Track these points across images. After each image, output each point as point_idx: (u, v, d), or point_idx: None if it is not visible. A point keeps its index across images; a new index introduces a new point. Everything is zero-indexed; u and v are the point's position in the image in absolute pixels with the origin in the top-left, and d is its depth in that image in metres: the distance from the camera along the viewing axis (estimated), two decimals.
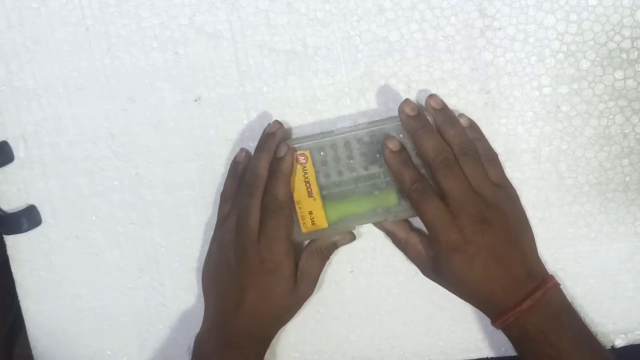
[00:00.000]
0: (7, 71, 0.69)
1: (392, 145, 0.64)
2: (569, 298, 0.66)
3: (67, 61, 0.69)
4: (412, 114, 0.63)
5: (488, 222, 0.62)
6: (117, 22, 0.67)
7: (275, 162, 0.64)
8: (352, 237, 0.69)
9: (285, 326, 0.73)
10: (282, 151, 0.64)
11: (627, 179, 0.68)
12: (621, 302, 0.71)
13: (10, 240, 0.73)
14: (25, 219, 0.72)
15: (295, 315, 0.72)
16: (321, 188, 0.66)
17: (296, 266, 0.67)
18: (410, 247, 0.67)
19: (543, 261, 0.69)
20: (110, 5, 0.67)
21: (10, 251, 0.74)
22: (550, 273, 0.66)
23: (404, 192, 0.64)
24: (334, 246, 0.69)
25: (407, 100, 0.64)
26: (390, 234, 0.68)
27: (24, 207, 0.72)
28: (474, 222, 0.62)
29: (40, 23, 0.68)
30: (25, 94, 0.70)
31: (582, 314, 0.70)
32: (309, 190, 0.65)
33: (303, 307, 0.71)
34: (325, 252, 0.68)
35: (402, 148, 0.64)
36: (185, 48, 0.68)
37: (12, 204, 0.72)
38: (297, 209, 0.66)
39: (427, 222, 0.63)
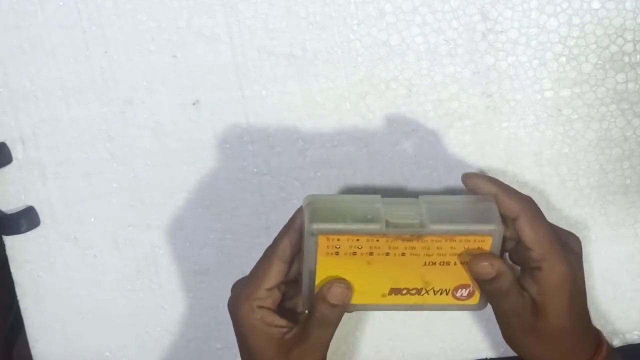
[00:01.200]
0: (4, 73, 0.68)
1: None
2: None
3: (65, 64, 0.68)
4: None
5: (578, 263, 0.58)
6: (114, 25, 0.67)
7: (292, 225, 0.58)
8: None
9: None
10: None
11: (628, 181, 0.68)
12: (620, 302, 0.71)
13: (9, 240, 0.73)
14: (24, 220, 0.72)
15: None
16: None
17: (267, 328, 0.58)
18: (512, 290, 0.55)
19: None
20: (107, 8, 0.66)
21: (10, 252, 0.73)
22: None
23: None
24: (329, 305, 0.56)
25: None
26: (499, 275, 0.55)
27: (23, 208, 0.72)
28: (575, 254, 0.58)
29: (37, 25, 0.67)
30: (22, 96, 0.69)
31: None
32: None
33: None
34: (336, 321, 0.58)
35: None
36: (183, 51, 0.67)
37: (11, 205, 0.72)
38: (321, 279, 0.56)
39: (540, 245, 0.55)
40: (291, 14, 0.65)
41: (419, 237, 0.54)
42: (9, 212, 0.72)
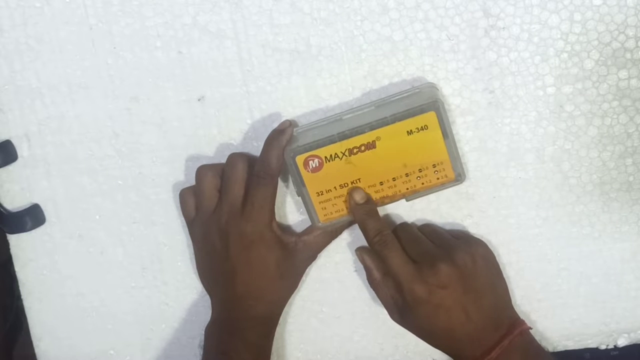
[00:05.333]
0: (11, 70, 0.69)
1: (358, 197, 0.65)
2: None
3: (71, 60, 0.69)
4: (361, 202, 0.65)
5: (451, 275, 0.63)
6: (120, 21, 0.67)
7: (274, 133, 0.65)
8: None
9: (288, 326, 0.73)
10: (284, 125, 0.65)
11: (631, 178, 0.68)
12: (624, 301, 0.71)
13: (13, 239, 0.73)
14: (29, 217, 0.72)
15: (299, 314, 0.72)
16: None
17: (279, 238, 0.67)
18: (381, 289, 0.67)
19: (547, 260, 0.70)
20: (113, 5, 0.67)
21: (14, 250, 0.74)
22: (520, 318, 0.67)
23: (368, 244, 0.66)
24: (349, 224, 0.69)
25: (356, 189, 0.65)
26: (367, 270, 0.68)
27: (28, 206, 0.72)
28: (435, 274, 0.63)
29: (44, 22, 0.68)
30: (28, 93, 0.70)
31: (584, 314, 0.71)
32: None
33: (306, 307, 0.72)
34: (338, 231, 0.69)
35: (368, 199, 0.65)
36: (189, 47, 0.68)
37: (16, 203, 0.72)
38: (317, 196, 0.65)
39: (391, 272, 0.64)
40: (295, 10, 0.66)
41: (375, 132, 0.62)
42: (14, 210, 0.72)
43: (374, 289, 0.67)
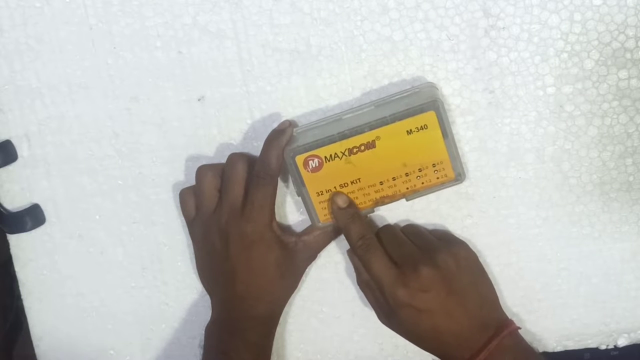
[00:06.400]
0: (11, 70, 0.69)
1: (340, 201, 0.65)
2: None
3: (71, 60, 0.69)
4: (344, 206, 0.65)
5: (433, 277, 0.63)
6: (120, 21, 0.67)
7: (274, 133, 0.65)
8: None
9: (288, 326, 0.73)
10: (283, 125, 0.66)
11: (631, 178, 0.68)
12: (624, 301, 0.71)
13: (13, 239, 0.73)
14: (29, 217, 0.72)
15: (299, 314, 0.73)
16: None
17: (279, 238, 0.67)
18: (369, 291, 0.67)
19: (547, 260, 0.70)
20: (113, 5, 0.67)
21: (14, 250, 0.74)
22: (509, 318, 0.66)
23: (351, 248, 0.66)
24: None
25: (338, 194, 0.65)
26: (356, 271, 0.68)
27: (28, 206, 0.72)
28: (418, 278, 0.62)
29: (44, 22, 0.68)
30: (28, 93, 0.70)
31: (584, 314, 0.71)
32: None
33: (306, 307, 0.71)
34: (338, 231, 0.69)
35: (350, 203, 0.65)
36: (189, 47, 0.68)
37: (16, 203, 0.72)
38: (317, 196, 0.66)
39: (373, 277, 0.64)
40: (295, 9, 0.66)
41: (374, 131, 0.62)
42: (14, 210, 0.72)
43: (362, 291, 0.68)
